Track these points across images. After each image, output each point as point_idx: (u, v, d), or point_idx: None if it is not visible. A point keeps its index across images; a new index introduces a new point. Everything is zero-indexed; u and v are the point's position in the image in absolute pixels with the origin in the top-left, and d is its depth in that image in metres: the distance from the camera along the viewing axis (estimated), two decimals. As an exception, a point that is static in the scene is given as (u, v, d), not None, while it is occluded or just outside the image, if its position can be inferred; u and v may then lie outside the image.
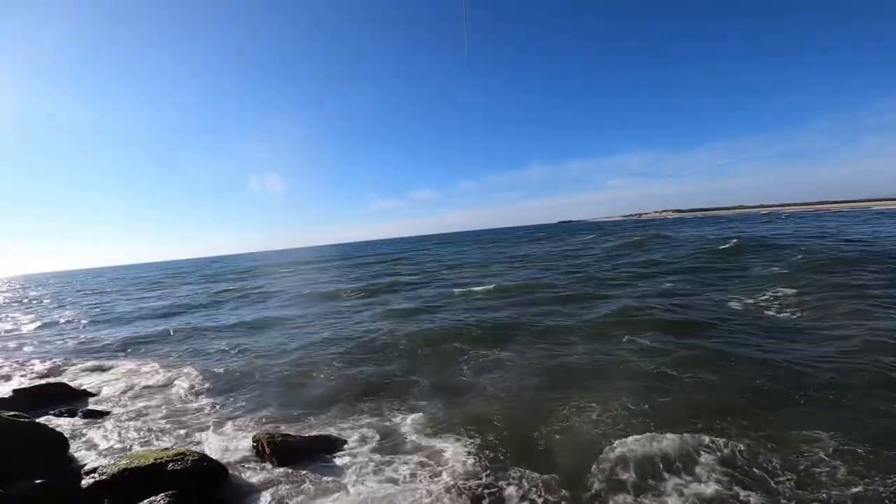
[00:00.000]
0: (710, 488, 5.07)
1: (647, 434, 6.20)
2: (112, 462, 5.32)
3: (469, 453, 6.28)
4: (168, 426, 8.05)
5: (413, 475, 5.87)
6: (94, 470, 5.24)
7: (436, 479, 5.72)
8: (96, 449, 7.10)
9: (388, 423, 7.56)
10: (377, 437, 7.13)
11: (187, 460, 5.46)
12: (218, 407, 8.91)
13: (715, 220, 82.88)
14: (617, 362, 9.23)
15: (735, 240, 28.42)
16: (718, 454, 5.68)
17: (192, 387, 10.22)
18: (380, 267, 42.08)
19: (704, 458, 5.63)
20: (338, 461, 6.42)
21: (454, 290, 21.26)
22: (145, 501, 4.51)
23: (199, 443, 7.28)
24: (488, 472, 5.78)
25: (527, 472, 5.69)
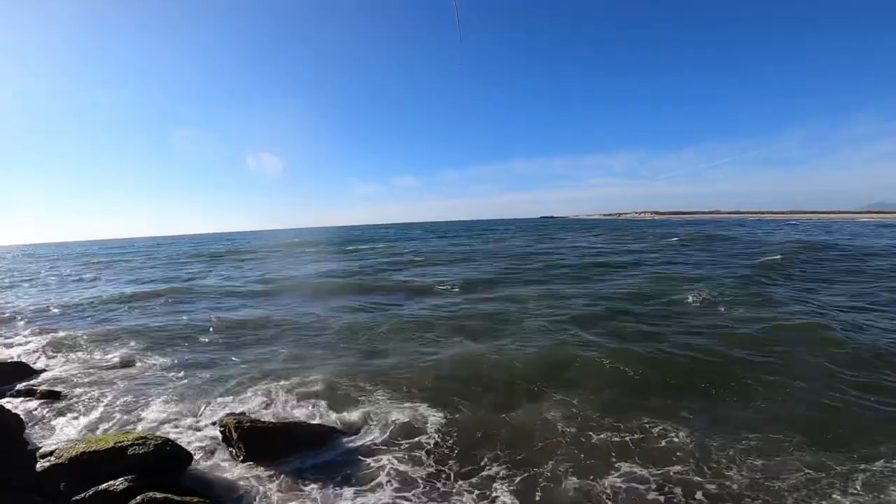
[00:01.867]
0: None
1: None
2: (70, 445, 5.17)
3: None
4: (131, 408, 7.87)
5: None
6: (50, 453, 5.09)
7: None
8: (54, 431, 6.89)
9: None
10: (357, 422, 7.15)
11: (149, 444, 5.34)
12: (184, 389, 8.74)
13: (700, 222, 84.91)
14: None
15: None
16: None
17: (159, 367, 9.99)
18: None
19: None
20: (310, 447, 6.38)
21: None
22: (103, 486, 4.40)
23: (162, 426, 7.14)
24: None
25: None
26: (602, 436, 6.35)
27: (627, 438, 6.28)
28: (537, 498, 5.17)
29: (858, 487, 5.04)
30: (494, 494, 5.24)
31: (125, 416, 7.52)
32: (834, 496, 4.91)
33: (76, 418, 7.43)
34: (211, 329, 13.48)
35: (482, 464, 5.89)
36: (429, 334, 11.79)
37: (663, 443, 6.15)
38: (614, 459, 5.82)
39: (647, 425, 6.57)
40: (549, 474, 5.57)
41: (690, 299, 14.18)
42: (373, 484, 5.57)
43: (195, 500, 4.45)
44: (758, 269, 20.34)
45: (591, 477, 5.46)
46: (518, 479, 5.52)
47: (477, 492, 5.31)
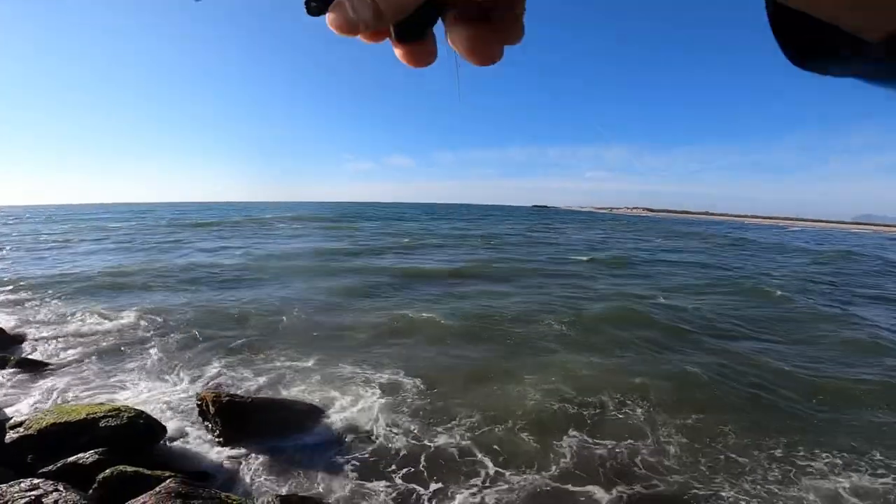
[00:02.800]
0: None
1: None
2: (40, 416, 5.09)
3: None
4: (108, 378, 7.77)
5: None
6: (19, 424, 5.00)
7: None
8: (27, 402, 6.77)
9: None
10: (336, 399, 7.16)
11: (122, 416, 5.27)
12: (164, 360, 8.65)
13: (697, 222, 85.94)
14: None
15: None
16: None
17: (139, 337, 9.86)
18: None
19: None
20: (289, 424, 6.35)
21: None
22: (72, 458, 4.35)
23: (137, 398, 7.07)
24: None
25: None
26: None
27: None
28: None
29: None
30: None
31: (103, 386, 7.42)
32: None
33: (53, 387, 7.31)
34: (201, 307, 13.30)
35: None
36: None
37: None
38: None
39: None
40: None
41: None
42: (347, 464, 5.60)
43: (167, 473, 4.41)
44: None
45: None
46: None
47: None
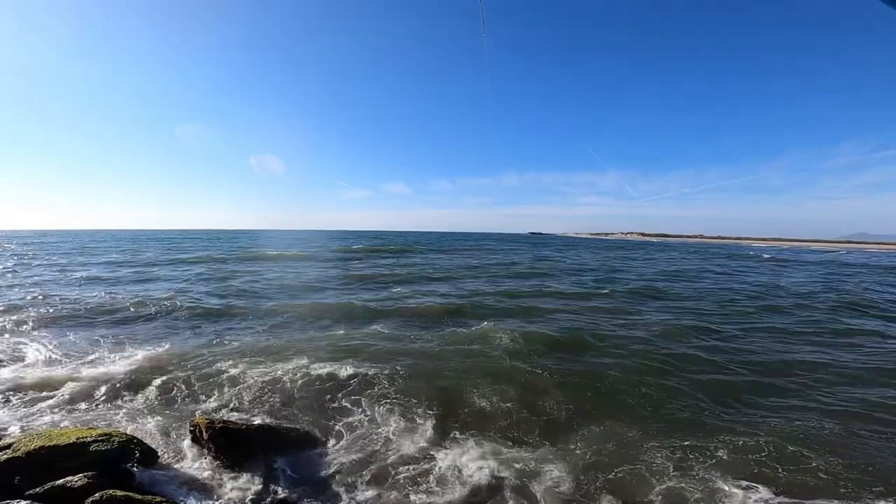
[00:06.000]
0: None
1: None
2: (28, 438, 4.94)
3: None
4: (99, 405, 7.58)
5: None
6: (7, 447, 4.85)
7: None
8: (15, 425, 6.58)
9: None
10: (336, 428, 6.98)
11: (113, 441, 5.13)
12: (158, 387, 8.46)
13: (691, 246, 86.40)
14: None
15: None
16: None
17: (132, 365, 9.67)
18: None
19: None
20: (282, 452, 6.20)
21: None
22: (60, 481, 4.20)
23: (129, 423, 6.89)
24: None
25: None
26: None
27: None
28: None
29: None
30: None
31: (92, 412, 7.24)
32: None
33: (41, 410, 7.12)
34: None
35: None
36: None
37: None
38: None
39: None
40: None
41: None
42: (338, 493, 5.45)
43: (158, 498, 4.27)
44: None
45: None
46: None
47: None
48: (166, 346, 10.83)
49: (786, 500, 5.33)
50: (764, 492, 5.45)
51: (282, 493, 5.33)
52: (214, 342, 11.43)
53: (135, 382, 8.51)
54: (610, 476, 5.80)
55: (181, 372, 9.08)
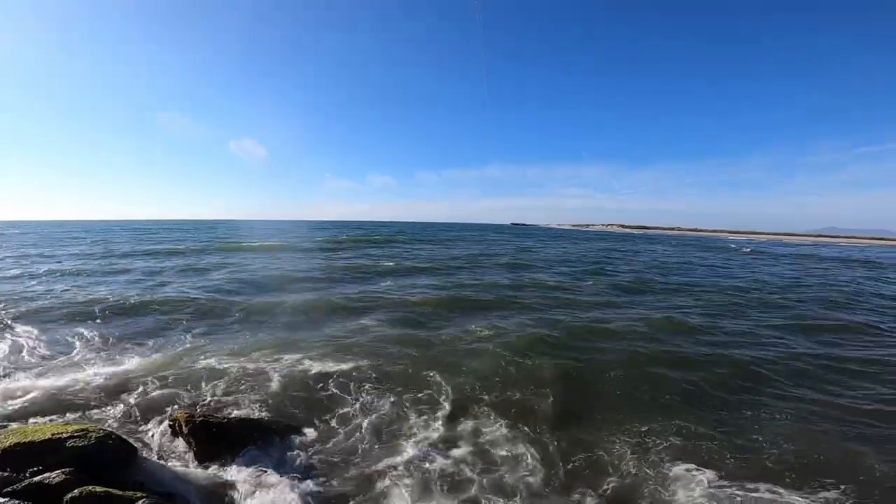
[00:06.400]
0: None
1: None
2: (2, 436, 4.88)
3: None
4: (74, 398, 7.48)
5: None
6: (-20, 444, 4.78)
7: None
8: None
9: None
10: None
11: (90, 436, 5.11)
12: (135, 384, 8.36)
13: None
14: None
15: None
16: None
17: (109, 363, 9.50)
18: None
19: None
20: (269, 447, 6.26)
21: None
22: (37, 478, 4.19)
23: (106, 420, 6.84)
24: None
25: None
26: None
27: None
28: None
29: None
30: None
31: (68, 406, 7.15)
32: None
33: (14, 406, 6.99)
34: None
35: None
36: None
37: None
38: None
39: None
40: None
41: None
42: (320, 482, 5.57)
43: (139, 494, 4.30)
44: None
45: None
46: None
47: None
48: (144, 344, 10.67)
49: (727, 483, 5.68)
50: (710, 474, 5.82)
51: (261, 484, 5.42)
52: (194, 338, 11.31)
53: (111, 380, 8.39)
54: (573, 460, 6.16)
55: (160, 369, 8.98)
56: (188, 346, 10.65)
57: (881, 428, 7.22)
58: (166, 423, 6.56)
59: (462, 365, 9.56)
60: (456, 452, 6.32)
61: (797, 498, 5.41)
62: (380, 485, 5.58)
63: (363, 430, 6.89)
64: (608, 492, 5.55)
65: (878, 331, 13.66)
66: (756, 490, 5.55)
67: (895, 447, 6.60)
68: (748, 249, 59.99)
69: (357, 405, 7.69)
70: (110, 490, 4.24)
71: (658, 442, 6.66)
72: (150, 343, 10.77)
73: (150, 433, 6.54)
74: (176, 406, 7.44)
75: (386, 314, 14.16)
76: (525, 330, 12.45)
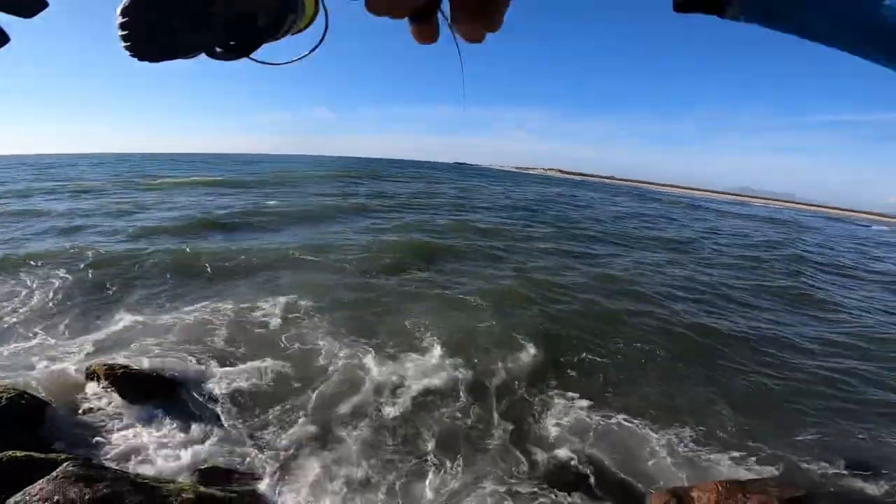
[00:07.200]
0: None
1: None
2: None
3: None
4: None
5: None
6: None
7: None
8: None
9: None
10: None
11: (1, 398, 4.99)
12: (49, 329, 7.94)
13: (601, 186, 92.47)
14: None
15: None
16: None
17: (21, 301, 8.75)
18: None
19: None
20: (189, 396, 6.36)
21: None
22: (-54, 447, 4.10)
23: (15, 378, 6.53)
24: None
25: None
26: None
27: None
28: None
29: None
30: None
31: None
32: None
33: None
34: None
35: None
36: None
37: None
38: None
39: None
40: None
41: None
42: (262, 428, 5.89)
43: (63, 456, 4.38)
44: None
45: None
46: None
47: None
48: (56, 297, 9.72)
49: (595, 412, 6.73)
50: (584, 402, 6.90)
51: (195, 436, 5.58)
52: (118, 289, 10.41)
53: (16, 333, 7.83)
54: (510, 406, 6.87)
55: (74, 321, 8.51)
56: (115, 292, 10.03)
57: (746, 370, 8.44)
58: (83, 376, 6.39)
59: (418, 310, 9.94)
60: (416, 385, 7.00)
61: (650, 432, 6.38)
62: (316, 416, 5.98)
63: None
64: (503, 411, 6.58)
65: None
66: (613, 418, 6.65)
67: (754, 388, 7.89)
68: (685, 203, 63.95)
69: (300, 343, 7.99)
70: (32, 454, 4.25)
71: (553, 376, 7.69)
72: (66, 293, 9.97)
73: (67, 388, 6.35)
74: (98, 360, 7.22)
75: (338, 257, 13.96)
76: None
